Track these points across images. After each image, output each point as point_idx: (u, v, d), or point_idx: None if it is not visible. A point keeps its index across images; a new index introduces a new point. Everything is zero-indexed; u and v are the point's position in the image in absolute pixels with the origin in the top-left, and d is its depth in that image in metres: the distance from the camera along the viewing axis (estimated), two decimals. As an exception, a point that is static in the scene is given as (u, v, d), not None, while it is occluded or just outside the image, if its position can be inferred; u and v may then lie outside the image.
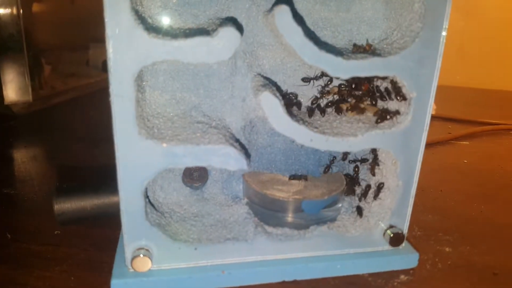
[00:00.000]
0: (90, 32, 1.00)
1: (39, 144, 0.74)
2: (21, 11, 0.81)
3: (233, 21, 0.34)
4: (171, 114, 0.38)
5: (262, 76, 0.38)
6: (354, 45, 0.39)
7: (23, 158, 0.66)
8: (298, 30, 0.32)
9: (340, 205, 0.42)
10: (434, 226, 0.49)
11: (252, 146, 0.42)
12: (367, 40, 0.39)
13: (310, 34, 0.33)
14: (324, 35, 0.39)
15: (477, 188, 0.61)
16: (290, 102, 0.40)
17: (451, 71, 1.31)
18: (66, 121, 0.88)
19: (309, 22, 0.39)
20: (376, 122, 0.37)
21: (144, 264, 0.35)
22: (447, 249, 0.44)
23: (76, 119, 0.89)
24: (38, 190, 0.54)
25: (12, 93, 0.84)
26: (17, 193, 0.54)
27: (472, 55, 1.36)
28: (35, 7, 0.87)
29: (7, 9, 0.80)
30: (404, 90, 0.36)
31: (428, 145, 0.77)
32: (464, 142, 0.81)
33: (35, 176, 0.59)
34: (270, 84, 0.36)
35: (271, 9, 0.33)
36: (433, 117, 0.96)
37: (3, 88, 0.83)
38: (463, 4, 1.29)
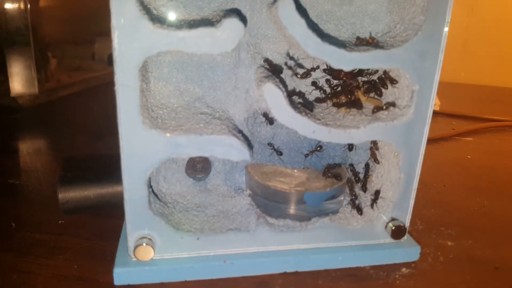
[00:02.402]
0: (96, 26, 1.00)
1: (44, 136, 0.75)
2: (28, 5, 0.82)
3: (237, 13, 0.34)
4: (175, 105, 0.38)
5: (266, 68, 0.38)
6: (357, 38, 0.39)
7: (28, 149, 0.67)
8: (302, 22, 0.32)
9: (342, 197, 0.42)
10: (436, 220, 0.49)
11: (255, 138, 0.42)
12: (370, 33, 0.39)
13: (313, 27, 0.33)
14: (328, 28, 0.39)
15: (479, 183, 0.61)
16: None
17: (456, 67, 1.31)
18: (71, 114, 0.89)
19: (312, 15, 0.39)
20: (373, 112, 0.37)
21: (146, 253, 0.35)
22: (449, 243, 0.45)
23: (81, 112, 0.90)
24: (43, 181, 0.55)
25: (18, 86, 0.85)
26: (22, 184, 0.54)
27: (477, 51, 1.36)
28: (42, 2, 0.88)
29: (14, 4, 0.81)
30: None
31: (432, 140, 0.77)
32: (468, 138, 0.81)
33: (40, 167, 0.60)
34: (273, 76, 0.36)
35: (275, 1, 0.33)
36: (437, 113, 0.96)
37: (10, 80, 0.84)
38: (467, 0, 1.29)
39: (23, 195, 0.52)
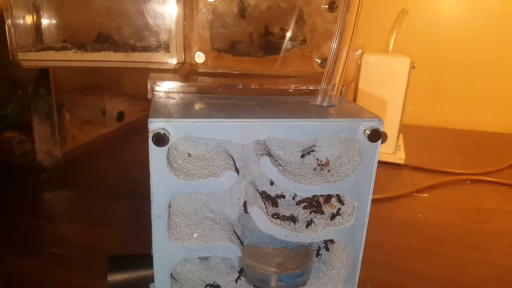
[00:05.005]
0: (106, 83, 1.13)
1: (64, 201, 0.87)
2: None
3: (233, 164, 0.50)
4: (188, 211, 0.54)
5: (253, 185, 0.54)
6: (317, 159, 0.55)
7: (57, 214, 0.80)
8: (275, 170, 0.48)
9: (309, 272, 0.57)
10: (384, 282, 0.62)
11: (245, 228, 0.57)
12: (326, 157, 0.55)
13: (284, 167, 0.49)
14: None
15: (423, 244, 0.72)
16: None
17: (427, 112, 1.44)
18: (90, 172, 1.01)
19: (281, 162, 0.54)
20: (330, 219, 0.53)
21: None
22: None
23: (98, 169, 1.02)
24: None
25: (43, 149, 0.98)
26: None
27: (447, 99, 1.48)
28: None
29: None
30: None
31: (392, 198, 0.89)
32: (424, 195, 0.92)
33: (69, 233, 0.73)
34: (259, 196, 0.51)
35: (258, 158, 0.49)
36: (402, 166, 1.06)
37: (36, 144, 0.97)
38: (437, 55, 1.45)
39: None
